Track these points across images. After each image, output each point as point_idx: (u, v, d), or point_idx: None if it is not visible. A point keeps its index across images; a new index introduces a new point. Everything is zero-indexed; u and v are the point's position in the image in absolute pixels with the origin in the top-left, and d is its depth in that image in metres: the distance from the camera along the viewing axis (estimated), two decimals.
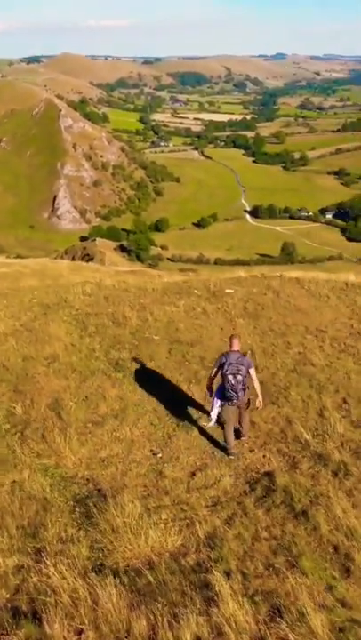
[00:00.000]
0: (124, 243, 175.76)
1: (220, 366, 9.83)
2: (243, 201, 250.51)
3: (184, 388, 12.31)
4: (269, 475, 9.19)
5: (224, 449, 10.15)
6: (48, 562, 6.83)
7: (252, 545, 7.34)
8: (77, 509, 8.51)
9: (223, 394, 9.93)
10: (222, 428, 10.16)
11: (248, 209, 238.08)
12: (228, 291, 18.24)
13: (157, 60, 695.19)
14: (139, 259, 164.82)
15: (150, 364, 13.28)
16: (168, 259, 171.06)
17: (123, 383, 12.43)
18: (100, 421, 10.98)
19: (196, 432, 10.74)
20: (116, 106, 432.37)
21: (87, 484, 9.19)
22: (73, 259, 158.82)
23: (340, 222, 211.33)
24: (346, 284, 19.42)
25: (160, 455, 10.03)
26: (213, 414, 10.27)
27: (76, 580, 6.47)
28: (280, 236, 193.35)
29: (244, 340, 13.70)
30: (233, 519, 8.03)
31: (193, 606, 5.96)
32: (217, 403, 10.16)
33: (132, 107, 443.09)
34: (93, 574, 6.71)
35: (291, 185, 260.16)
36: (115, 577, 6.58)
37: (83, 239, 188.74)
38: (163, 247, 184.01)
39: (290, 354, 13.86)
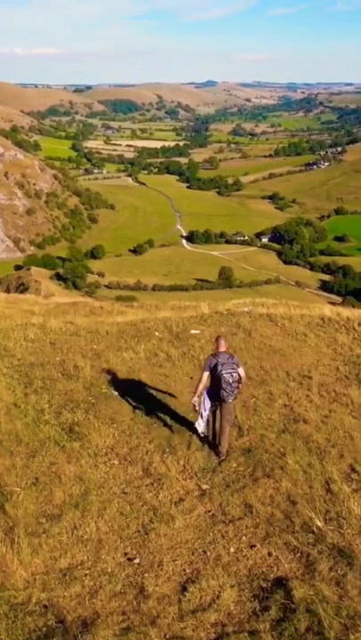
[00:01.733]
0: (60, 271, 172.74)
1: (213, 368, 9.85)
2: (179, 226, 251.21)
3: (156, 458, 10.03)
4: (282, 584, 7.09)
5: (209, 443, 10.57)
6: None
7: None
8: None
9: (216, 395, 9.98)
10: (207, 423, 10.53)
11: (184, 234, 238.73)
12: (193, 332, 16.24)
13: (88, 87, 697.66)
14: (75, 286, 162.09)
15: (112, 429, 11.00)
16: (105, 286, 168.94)
17: (81, 456, 10.06)
18: (57, 514, 8.51)
19: (179, 521, 8.47)
20: (47, 134, 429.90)
21: (45, 614, 6.68)
22: (7, 289, 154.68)
23: (275, 245, 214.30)
24: (322, 320, 17.73)
25: (137, 561, 7.68)
26: (204, 417, 10.35)
27: None
28: (217, 260, 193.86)
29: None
30: None
31: None
32: (208, 405, 10.19)
33: (63, 134, 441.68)
34: None
35: (226, 210, 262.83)
36: None
37: (17, 268, 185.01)
38: (100, 274, 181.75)
39: (275, 407, 11.94)
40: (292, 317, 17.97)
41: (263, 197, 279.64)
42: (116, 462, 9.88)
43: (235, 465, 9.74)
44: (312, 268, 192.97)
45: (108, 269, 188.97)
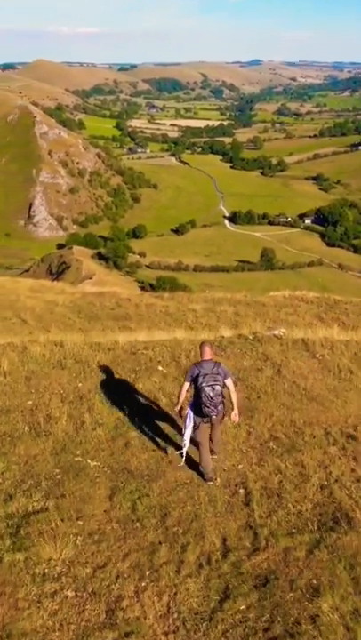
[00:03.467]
0: (102, 250, 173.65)
1: (194, 379, 8.72)
2: (221, 207, 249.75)
3: (129, 590, 6.76)
4: None
5: (201, 474, 9.04)
6: None
7: None
8: None
9: (199, 409, 8.82)
10: (197, 448, 9.09)
11: (227, 215, 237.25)
12: None
13: (133, 66, 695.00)
14: (116, 266, 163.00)
15: (76, 528, 7.68)
16: (146, 266, 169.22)
17: (19, 581, 6.82)
18: None
19: None
20: (92, 112, 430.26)
21: None
22: (49, 267, 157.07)
23: (319, 227, 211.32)
24: None
25: None
26: (187, 436, 9.07)
27: None
28: (259, 241, 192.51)
29: (231, 464, 9.36)
30: None
31: None
32: (191, 421, 8.97)
33: (108, 113, 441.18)
34: None
35: (269, 191, 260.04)
36: None
37: (60, 247, 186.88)
38: (141, 254, 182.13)
39: (308, 491, 8.62)
40: (335, 345, 14.22)
41: (307, 178, 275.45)
42: (70, 594, 6.63)
43: (243, 607, 6.51)
44: (356, 250, 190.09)
45: (150, 249, 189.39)
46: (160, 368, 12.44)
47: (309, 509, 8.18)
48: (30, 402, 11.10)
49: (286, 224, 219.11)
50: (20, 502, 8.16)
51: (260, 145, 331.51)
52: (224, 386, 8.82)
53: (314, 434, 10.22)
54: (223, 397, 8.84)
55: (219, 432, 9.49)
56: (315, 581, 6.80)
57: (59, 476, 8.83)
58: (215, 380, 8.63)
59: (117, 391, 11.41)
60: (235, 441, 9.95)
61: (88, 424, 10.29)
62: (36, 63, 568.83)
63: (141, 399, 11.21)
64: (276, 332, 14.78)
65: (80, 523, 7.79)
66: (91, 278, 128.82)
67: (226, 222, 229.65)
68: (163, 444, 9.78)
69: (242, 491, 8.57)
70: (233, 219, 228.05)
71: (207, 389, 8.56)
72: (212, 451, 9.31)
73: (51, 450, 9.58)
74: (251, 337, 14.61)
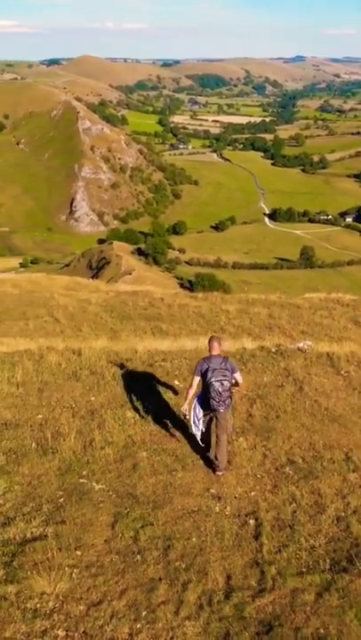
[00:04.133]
0: (142, 246, 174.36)
1: (203, 374, 8.86)
2: (262, 204, 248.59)
3: (123, 632, 6.30)
4: None
5: (207, 458, 9.36)
6: None
7: None
8: None
9: (207, 403, 9.00)
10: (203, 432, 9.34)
11: (267, 212, 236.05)
12: None
13: (176, 62, 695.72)
14: (156, 262, 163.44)
15: (73, 559, 7.25)
16: (185, 262, 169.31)
17: (9, 617, 6.37)
18: None
19: None
20: (134, 108, 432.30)
21: None
22: (89, 262, 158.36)
23: (360, 225, 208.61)
24: None
25: None
26: (198, 429, 9.23)
27: None
28: (299, 239, 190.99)
29: (243, 490, 8.74)
30: None
31: None
32: (200, 414, 9.14)
33: (150, 109, 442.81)
34: None
35: (310, 188, 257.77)
36: None
37: (100, 242, 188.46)
38: (180, 250, 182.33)
39: (323, 523, 7.99)
40: None
41: (349, 176, 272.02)
42: (61, 634, 6.18)
43: None
44: None
45: (189, 245, 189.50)
46: (176, 383, 11.97)
47: (323, 545, 7.62)
48: (40, 416, 10.80)
49: (327, 222, 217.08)
50: (18, 527, 7.75)
51: (302, 142, 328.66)
52: (233, 380, 8.97)
53: (334, 458, 9.55)
54: (231, 392, 8.95)
55: (224, 446, 9.16)
56: (322, 630, 6.18)
57: (61, 500, 8.45)
58: (224, 376, 8.75)
59: (130, 407, 11.04)
60: (249, 464, 9.38)
61: (97, 442, 9.87)
62: (80, 59, 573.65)
63: (154, 416, 10.64)
64: (300, 345, 14.10)
65: (78, 553, 7.32)
66: (130, 274, 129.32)
67: (266, 219, 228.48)
68: (172, 465, 9.27)
69: (252, 521, 8.04)
70: (273, 216, 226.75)
71: (216, 384, 8.71)
72: (215, 465, 9.19)
73: (56, 470, 9.15)
74: (274, 349, 13.99)
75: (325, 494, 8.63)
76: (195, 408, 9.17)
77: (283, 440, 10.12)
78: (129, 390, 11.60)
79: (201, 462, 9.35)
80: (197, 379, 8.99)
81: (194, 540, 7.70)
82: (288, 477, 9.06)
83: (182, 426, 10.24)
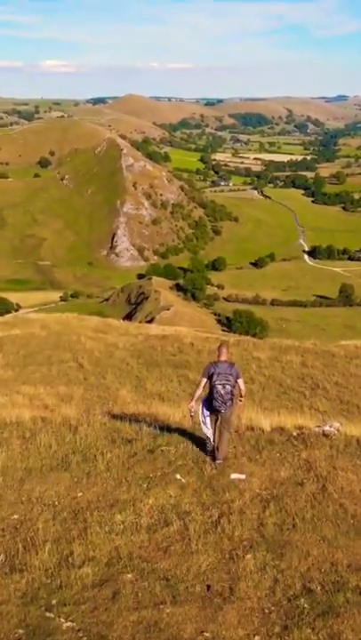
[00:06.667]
0: (181, 282, 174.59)
1: (210, 377, 9.69)
2: (301, 241, 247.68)
3: None
4: None
5: (209, 451, 10.21)
6: None
7: None
8: None
9: (210, 404, 9.87)
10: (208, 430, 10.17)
11: (306, 249, 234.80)
12: (234, 477, 9.97)
13: (219, 101, 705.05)
14: (194, 298, 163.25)
15: None
16: (224, 298, 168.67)
17: None
18: None
19: None
20: (177, 145, 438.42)
21: None
22: (128, 297, 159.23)
23: None
24: None
25: None
26: (208, 427, 10.05)
27: None
28: (338, 277, 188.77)
29: (244, 634, 6.71)
30: None
31: None
32: (206, 414, 9.98)
33: (193, 147, 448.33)
34: None
35: (350, 226, 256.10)
36: None
37: (140, 277, 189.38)
38: (219, 286, 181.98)
39: None
40: None
41: None
42: None
43: None
44: None
45: (228, 282, 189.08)
46: (178, 477, 10.03)
47: None
48: (16, 516, 9.10)
49: None
50: None
51: (343, 180, 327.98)
52: (235, 385, 9.80)
53: (360, 585, 7.47)
54: (233, 395, 9.76)
55: (226, 439, 10.17)
56: None
57: None
58: (227, 380, 9.63)
59: (121, 508, 9.16)
60: (256, 593, 7.35)
61: (76, 556, 8.03)
62: (125, 98, 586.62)
63: (148, 522, 8.83)
64: (326, 429, 11.88)
65: None
66: (168, 309, 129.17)
67: (305, 257, 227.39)
68: (161, 595, 7.29)
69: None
70: (313, 253, 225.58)
71: (219, 387, 9.60)
72: (216, 454, 10.16)
73: (21, 595, 7.29)
74: (295, 434, 11.80)
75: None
76: (202, 410, 9.98)
77: (299, 559, 8.17)
78: (122, 485, 9.95)
79: (197, 589, 7.38)
80: (205, 380, 9.76)
81: None
82: (302, 614, 6.98)
83: (182, 536, 8.46)
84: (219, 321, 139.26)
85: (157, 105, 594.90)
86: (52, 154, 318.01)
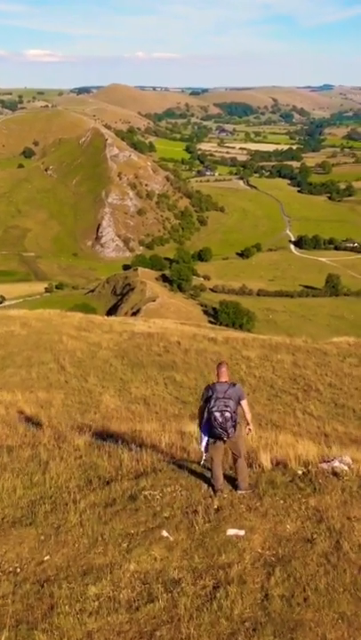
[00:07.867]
0: (166, 272, 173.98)
1: (206, 400, 8.75)
2: (287, 231, 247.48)
3: None
4: None
5: (212, 486, 8.95)
6: None
7: None
8: None
9: (211, 430, 8.83)
10: (211, 466, 9.16)
11: (293, 239, 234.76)
12: (231, 532, 8.19)
13: (205, 90, 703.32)
14: (180, 289, 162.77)
15: None
16: (210, 289, 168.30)
17: None
18: None
19: None
20: (162, 135, 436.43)
21: None
22: (114, 288, 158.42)
23: None
24: None
25: None
26: (203, 446, 9.18)
27: None
28: (325, 267, 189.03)
29: None
30: None
31: None
32: (204, 439, 9.02)
33: (178, 136, 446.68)
34: None
35: (336, 215, 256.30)
36: None
37: (125, 268, 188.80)
38: (205, 277, 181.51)
39: None
40: None
41: None
42: None
43: None
44: None
45: (214, 272, 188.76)
46: (164, 534, 8.19)
47: None
48: None
49: (353, 250, 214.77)
50: None
51: (329, 169, 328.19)
52: (238, 407, 8.74)
53: None
54: (235, 421, 8.67)
55: (244, 466, 9.09)
56: None
57: None
58: (226, 406, 8.55)
59: (96, 577, 7.31)
60: None
61: None
62: (110, 87, 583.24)
63: (128, 595, 7.02)
64: (335, 465, 10.13)
65: None
66: (154, 300, 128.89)
67: (292, 247, 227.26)
68: None
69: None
70: (299, 243, 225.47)
71: (217, 414, 8.56)
72: (238, 484, 9.04)
73: None
74: (300, 472, 9.90)
75: None
76: (200, 436, 9.16)
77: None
78: (97, 545, 8.09)
79: None
80: (204, 405, 8.85)
81: None
82: None
83: (169, 615, 6.65)
84: (205, 312, 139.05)
85: (142, 94, 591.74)
86: (35, 144, 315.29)
